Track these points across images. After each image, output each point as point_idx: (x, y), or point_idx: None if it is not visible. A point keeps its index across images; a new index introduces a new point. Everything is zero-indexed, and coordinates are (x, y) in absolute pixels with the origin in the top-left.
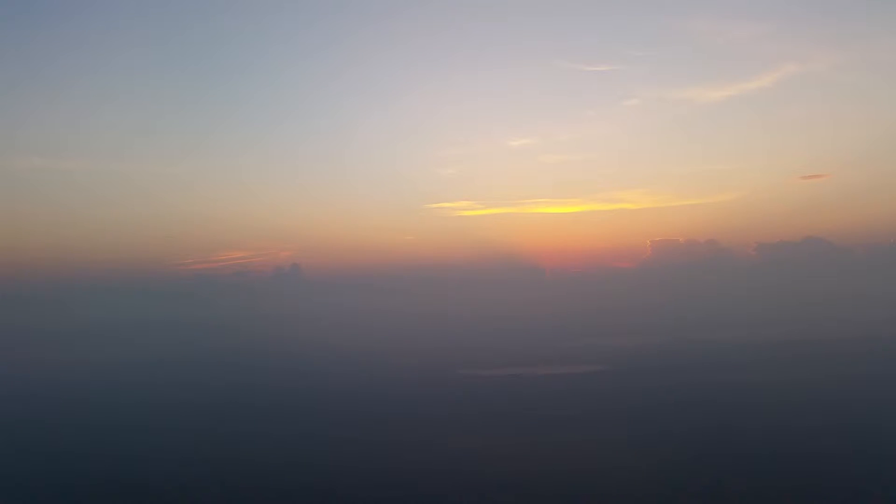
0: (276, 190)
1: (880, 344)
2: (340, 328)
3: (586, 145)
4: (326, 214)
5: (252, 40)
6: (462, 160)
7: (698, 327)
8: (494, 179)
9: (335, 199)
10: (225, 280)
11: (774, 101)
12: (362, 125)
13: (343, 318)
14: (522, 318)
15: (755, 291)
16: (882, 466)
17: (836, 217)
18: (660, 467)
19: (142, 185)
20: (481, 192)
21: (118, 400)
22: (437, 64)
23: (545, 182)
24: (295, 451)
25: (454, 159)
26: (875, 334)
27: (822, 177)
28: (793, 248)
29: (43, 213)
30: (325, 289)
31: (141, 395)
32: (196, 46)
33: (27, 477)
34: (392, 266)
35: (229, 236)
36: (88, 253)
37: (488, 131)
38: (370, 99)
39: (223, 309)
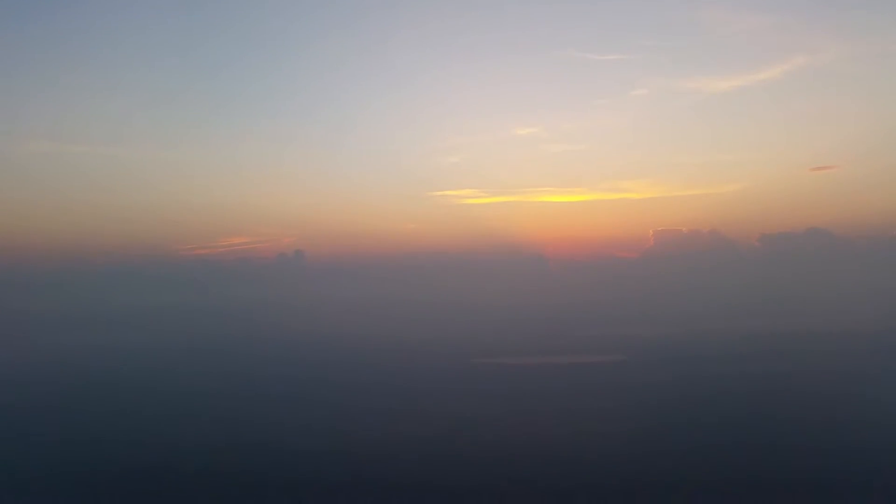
0: (278, 176)
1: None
2: (346, 316)
3: (592, 135)
4: (330, 201)
5: (256, 25)
6: (467, 148)
7: (708, 318)
8: (499, 168)
9: (338, 186)
10: (227, 266)
11: (783, 92)
12: (366, 112)
13: (348, 306)
14: (528, 306)
15: (758, 282)
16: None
17: (842, 209)
18: (705, 456)
19: (144, 171)
20: (486, 180)
21: (120, 386)
22: (443, 51)
23: (550, 171)
24: (313, 441)
25: (459, 147)
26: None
27: (830, 168)
28: (796, 238)
29: (43, 199)
30: (329, 276)
31: (144, 381)
32: (199, 31)
33: (29, 468)
34: (395, 254)
35: (232, 222)
36: (89, 238)
37: (494, 119)
38: (374, 85)
39: (225, 295)
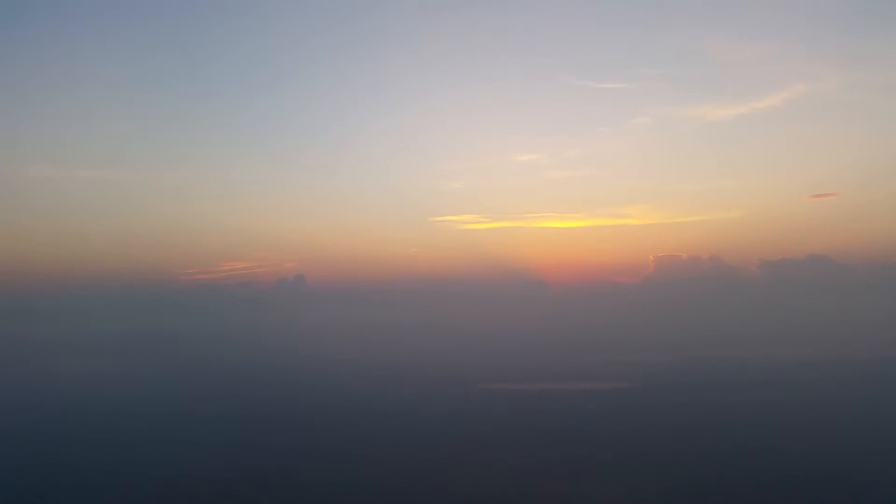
0: (279, 200)
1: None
2: (348, 341)
3: (593, 161)
4: (331, 225)
5: (257, 49)
6: (468, 174)
7: (710, 345)
8: (500, 193)
9: (340, 211)
10: (228, 291)
11: (784, 120)
12: (369, 136)
13: (350, 331)
14: (530, 332)
15: (758, 308)
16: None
17: (842, 235)
18: (717, 486)
19: (145, 195)
20: (487, 205)
21: (120, 411)
22: (446, 77)
23: (551, 197)
24: (323, 466)
25: (461, 173)
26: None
27: (830, 196)
28: (796, 265)
29: (44, 223)
30: (329, 301)
31: (143, 407)
32: (200, 54)
33: (34, 491)
34: (396, 279)
35: (233, 246)
36: (90, 262)
37: (496, 145)
38: (377, 110)
39: (227, 320)
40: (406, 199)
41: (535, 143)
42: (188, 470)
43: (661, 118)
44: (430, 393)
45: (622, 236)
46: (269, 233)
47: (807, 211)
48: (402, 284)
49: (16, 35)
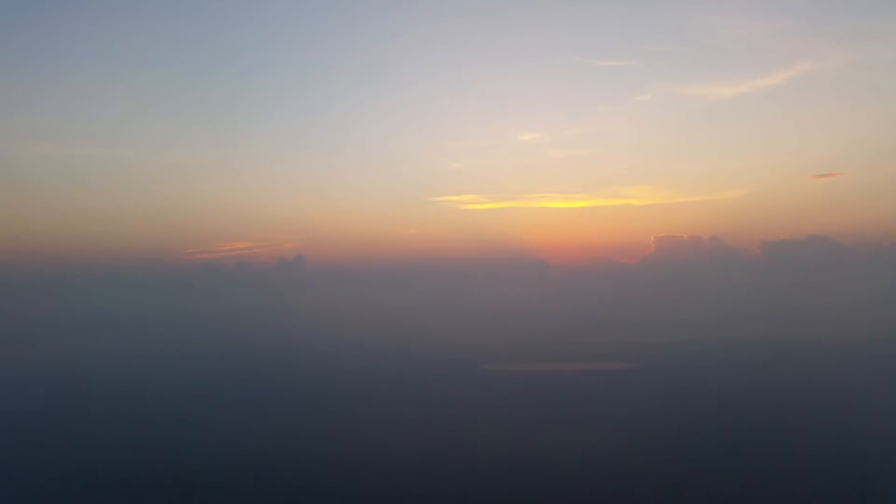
0: (280, 180)
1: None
2: (350, 323)
3: (595, 140)
4: (331, 205)
5: (259, 28)
6: (470, 153)
7: (712, 325)
8: (501, 173)
9: (340, 191)
10: (228, 270)
11: (788, 98)
12: (370, 116)
13: (350, 312)
14: (531, 312)
15: (758, 289)
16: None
17: (846, 216)
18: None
19: (146, 173)
20: (488, 185)
21: (118, 391)
22: (447, 55)
23: (552, 176)
24: (327, 450)
25: (462, 152)
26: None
27: (835, 175)
28: (797, 245)
29: (44, 202)
30: (330, 281)
31: (143, 387)
32: (203, 34)
33: (35, 471)
34: (397, 259)
35: (233, 226)
36: (90, 242)
37: (497, 125)
38: (378, 90)
39: (227, 300)
40: (406, 178)
41: (537, 122)
42: (184, 447)
43: (664, 96)
44: (435, 374)
45: (623, 216)
46: (270, 213)
47: (810, 191)
48: (402, 264)
49: (16, 13)
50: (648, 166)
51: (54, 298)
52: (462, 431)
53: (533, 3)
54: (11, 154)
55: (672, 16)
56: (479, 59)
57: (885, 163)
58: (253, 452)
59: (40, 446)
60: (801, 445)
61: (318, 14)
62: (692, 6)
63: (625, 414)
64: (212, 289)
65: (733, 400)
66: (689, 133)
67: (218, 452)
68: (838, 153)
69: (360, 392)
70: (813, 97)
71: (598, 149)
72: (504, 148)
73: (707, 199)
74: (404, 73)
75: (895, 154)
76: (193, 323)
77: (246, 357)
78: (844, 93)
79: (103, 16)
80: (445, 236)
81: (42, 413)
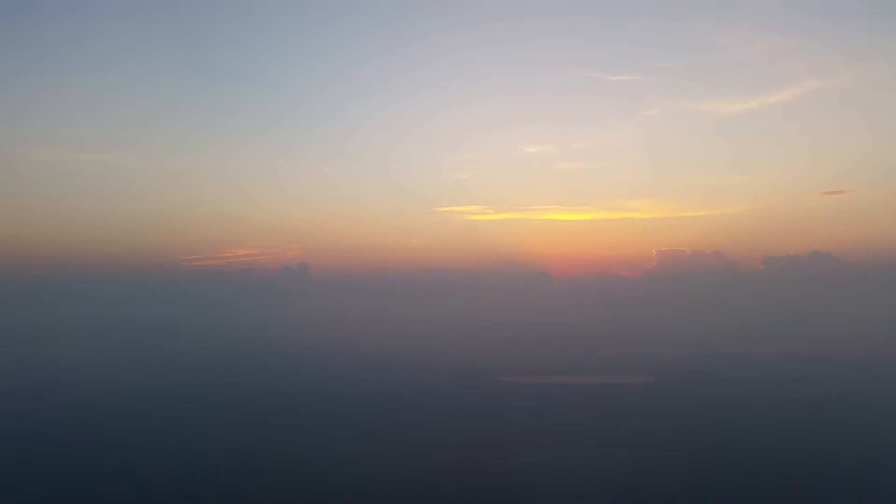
0: (284, 188)
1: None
2: (357, 332)
3: (602, 154)
4: (335, 214)
5: (263, 35)
6: (476, 164)
7: (721, 340)
8: (507, 185)
9: (344, 199)
10: (231, 278)
11: (795, 115)
12: (375, 126)
13: (353, 322)
14: (538, 325)
15: (759, 304)
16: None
17: (854, 233)
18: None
19: (149, 180)
20: (493, 196)
21: (120, 400)
22: (454, 67)
23: (557, 189)
24: (345, 462)
25: (468, 163)
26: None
27: (843, 193)
28: (799, 262)
29: (46, 207)
30: (334, 290)
31: (144, 394)
32: (207, 39)
33: (37, 477)
34: (400, 269)
35: (237, 233)
36: (93, 248)
37: (503, 136)
38: (384, 99)
39: (229, 307)
40: (411, 188)
41: (544, 135)
42: (184, 459)
43: (672, 111)
44: (454, 385)
45: (627, 230)
46: (274, 220)
47: (817, 208)
48: (406, 274)
49: (18, 18)
50: (654, 180)
51: (55, 304)
52: (490, 444)
53: (543, 16)
54: (14, 159)
55: (682, 32)
56: (487, 70)
57: (892, 181)
58: (258, 460)
59: (35, 452)
60: (821, 463)
61: (326, 23)
62: (702, 23)
63: (652, 427)
64: (215, 296)
65: (757, 416)
66: (696, 148)
67: (219, 462)
68: (845, 170)
69: (390, 402)
70: (820, 114)
71: (604, 162)
72: (510, 160)
73: (711, 214)
74: (411, 83)
75: None
76: (196, 330)
77: (249, 364)
78: (853, 110)
79: (107, 21)
80: (449, 247)
81: (42, 420)
